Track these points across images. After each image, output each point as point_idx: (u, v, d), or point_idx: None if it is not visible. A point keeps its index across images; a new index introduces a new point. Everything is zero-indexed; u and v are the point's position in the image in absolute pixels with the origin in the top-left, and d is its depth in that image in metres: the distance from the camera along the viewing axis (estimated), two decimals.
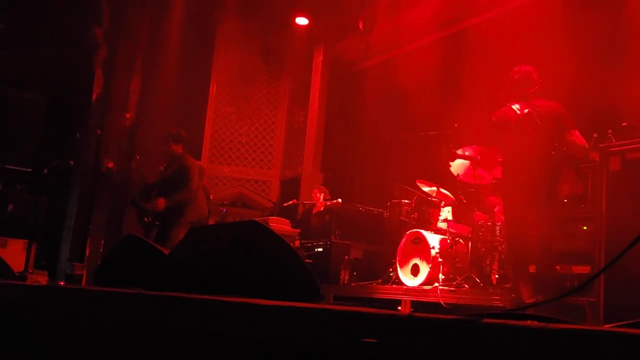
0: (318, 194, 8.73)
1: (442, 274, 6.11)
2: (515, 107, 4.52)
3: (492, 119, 4.54)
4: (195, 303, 1.56)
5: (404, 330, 1.03)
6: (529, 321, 0.92)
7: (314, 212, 8.77)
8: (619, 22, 6.59)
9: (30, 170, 8.83)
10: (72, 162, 7.20)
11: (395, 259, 6.75)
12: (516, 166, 4.32)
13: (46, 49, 10.30)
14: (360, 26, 9.92)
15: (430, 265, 6.24)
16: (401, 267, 6.62)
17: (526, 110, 4.45)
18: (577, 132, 4.51)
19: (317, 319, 1.22)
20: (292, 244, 8.01)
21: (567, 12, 6.97)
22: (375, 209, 8.31)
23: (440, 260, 6.18)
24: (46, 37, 10.42)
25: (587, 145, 4.53)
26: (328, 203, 8.56)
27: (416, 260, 6.48)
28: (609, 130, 4.73)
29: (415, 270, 6.45)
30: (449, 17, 8.34)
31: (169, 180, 6.85)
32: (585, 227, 4.75)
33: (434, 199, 6.92)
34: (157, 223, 7.61)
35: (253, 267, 2.30)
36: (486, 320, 0.92)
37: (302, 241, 8.37)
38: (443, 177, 6.66)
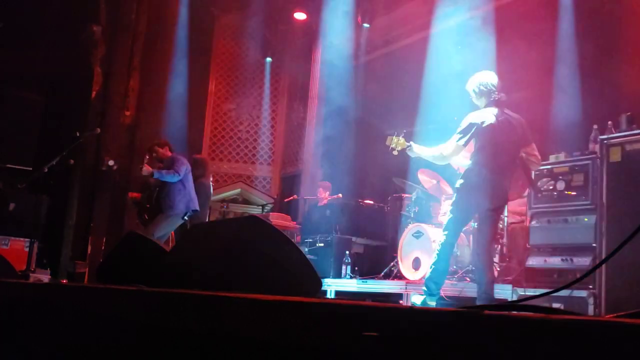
0: (324, 192, 8.72)
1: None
2: (493, 111, 4.68)
3: (471, 119, 4.70)
4: (196, 299, 1.57)
5: (404, 323, 1.03)
6: (530, 312, 0.92)
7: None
8: (617, 13, 6.58)
9: (30, 168, 8.82)
10: (72, 161, 7.20)
11: (396, 253, 6.76)
12: (489, 166, 4.57)
13: (45, 48, 10.28)
14: (359, 20, 9.91)
15: (431, 259, 6.24)
16: (402, 261, 6.63)
17: (502, 117, 4.65)
18: (534, 145, 4.76)
19: (318, 313, 1.22)
20: (292, 240, 8.03)
21: (568, 4, 6.96)
22: (376, 203, 8.32)
23: None
24: (45, 36, 10.40)
25: (541, 160, 4.84)
26: (329, 198, 8.56)
27: (417, 254, 6.48)
28: (609, 122, 4.73)
29: (416, 264, 6.46)
30: (446, 10, 8.31)
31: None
32: (586, 219, 4.76)
33: (434, 193, 6.92)
34: (147, 206, 7.62)
35: (254, 262, 2.30)
36: (487, 311, 0.92)
37: (304, 236, 8.38)
38: (444, 170, 6.66)
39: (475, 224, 5.06)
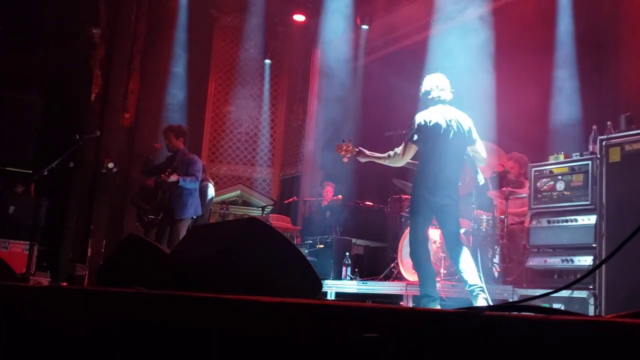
0: (331, 191, 8.72)
1: (444, 269, 6.11)
2: (439, 111, 4.88)
3: (418, 118, 4.89)
4: (196, 301, 1.57)
5: (405, 324, 1.03)
6: (530, 313, 0.92)
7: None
8: (615, 14, 6.59)
9: (30, 171, 8.82)
10: (71, 163, 7.18)
11: (396, 254, 6.75)
12: (435, 163, 4.77)
13: (44, 50, 10.29)
14: (358, 22, 9.92)
15: (432, 260, 6.24)
16: (402, 262, 6.62)
17: (448, 116, 4.84)
18: (481, 143, 4.99)
19: (318, 314, 1.22)
20: (292, 241, 8.02)
21: (566, 5, 6.97)
22: (376, 205, 8.31)
23: (441, 254, 6.18)
24: (44, 38, 10.41)
25: (486, 158, 5.07)
26: (329, 199, 8.56)
27: None
28: (608, 122, 4.73)
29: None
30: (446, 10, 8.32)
31: (175, 169, 6.88)
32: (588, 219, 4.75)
33: None
34: (152, 218, 7.59)
35: (254, 264, 2.30)
36: (488, 312, 0.92)
37: (304, 238, 8.38)
38: None
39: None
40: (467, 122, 4.92)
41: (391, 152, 5.05)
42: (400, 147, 4.98)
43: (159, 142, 7.38)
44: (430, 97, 4.97)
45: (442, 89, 4.96)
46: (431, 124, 4.81)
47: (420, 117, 4.90)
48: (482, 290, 4.55)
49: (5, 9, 9.95)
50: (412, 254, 4.92)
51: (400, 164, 5.13)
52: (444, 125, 4.80)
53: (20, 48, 10.13)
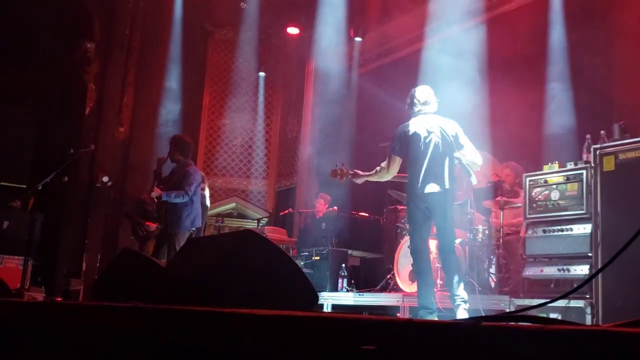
0: (324, 204, 8.69)
1: (440, 279, 6.10)
2: (420, 120, 4.99)
3: (399, 130, 5.02)
4: (192, 315, 1.56)
5: (402, 335, 1.02)
6: (527, 323, 0.92)
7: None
8: (608, 23, 6.64)
9: (24, 186, 8.79)
10: (66, 178, 7.15)
11: (392, 265, 6.74)
12: (420, 172, 4.85)
13: (38, 65, 10.30)
14: (352, 34, 9.96)
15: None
16: (399, 273, 6.61)
17: (430, 125, 4.94)
18: (470, 147, 5.02)
19: (316, 327, 1.21)
20: (288, 253, 8.00)
21: (563, 14, 7.02)
22: (372, 216, 8.31)
23: (437, 265, 6.18)
24: (38, 53, 10.41)
25: (480, 159, 5.08)
26: (324, 211, 8.55)
27: None
28: (602, 131, 4.75)
29: (413, 276, 6.43)
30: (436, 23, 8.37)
31: (172, 183, 6.82)
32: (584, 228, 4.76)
33: None
34: (147, 232, 7.55)
35: (250, 277, 2.29)
36: (485, 322, 0.92)
37: (300, 250, 8.36)
38: None
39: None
40: (452, 127, 4.98)
41: (377, 168, 5.16)
42: (385, 162, 5.10)
43: (163, 155, 7.27)
44: (413, 110, 5.08)
45: (425, 102, 5.05)
46: (411, 134, 4.92)
47: (400, 129, 5.03)
48: (464, 301, 4.63)
49: None
50: (413, 263, 5.00)
51: (387, 177, 5.22)
52: (424, 134, 4.89)
53: (14, 64, 10.13)
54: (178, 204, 6.66)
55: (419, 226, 4.94)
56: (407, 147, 4.94)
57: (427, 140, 4.87)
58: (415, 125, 4.95)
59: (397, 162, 5.04)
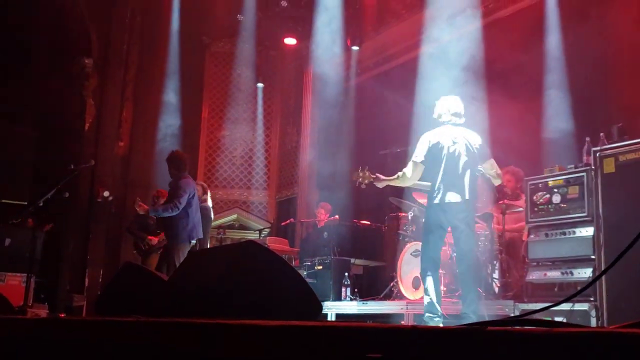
0: (325, 213, 8.67)
1: (444, 285, 6.08)
2: (447, 130, 5.02)
3: (426, 139, 5.04)
4: (196, 327, 1.55)
5: (408, 342, 1.02)
6: (532, 327, 0.92)
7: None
8: (603, 25, 6.65)
9: (25, 203, 8.79)
10: (67, 194, 7.15)
11: (395, 272, 6.73)
12: (445, 183, 4.89)
13: (37, 82, 10.32)
14: (349, 43, 10.00)
15: None
16: (402, 280, 6.59)
17: (456, 136, 4.97)
18: (493, 161, 5.12)
19: (321, 336, 1.21)
20: (291, 263, 8.00)
21: (559, 18, 7.05)
22: (373, 224, 8.29)
23: (441, 271, 6.16)
24: (36, 70, 10.44)
25: (501, 172, 5.21)
26: (326, 220, 8.53)
27: (417, 273, 6.43)
28: (601, 134, 4.75)
29: (416, 283, 6.42)
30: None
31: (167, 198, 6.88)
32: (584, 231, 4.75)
33: None
34: (153, 245, 7.57)
35: (253, 288, 2.29)
36: (490, 327, 0.91)
37: (302, 260, 8.34)
38: None
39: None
40: (476, 140, 5.03)
41: (400, 173, 5.15)
42: (408, 167, 5.08)
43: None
44: (441, 119, 5.09)
45: (456, 113, 5.07)
46: (437, 143, 4.94)
47: (425, 137, 5.03)
48: (470, 318, 4.63)
49: None
50: (422, 271, 5.01)
51: (408, 183, 5.25)
52: (449, 144, 4.92)
53: (13, 81, 10.15)
54: (174, 217, 6.64)
55: (434, 237, 4.99)
56: (430, 156, 4.96)
57: (451, 151, 4.91)
58: (441, 135, 4.98)
59: (419, 169, 5.04)
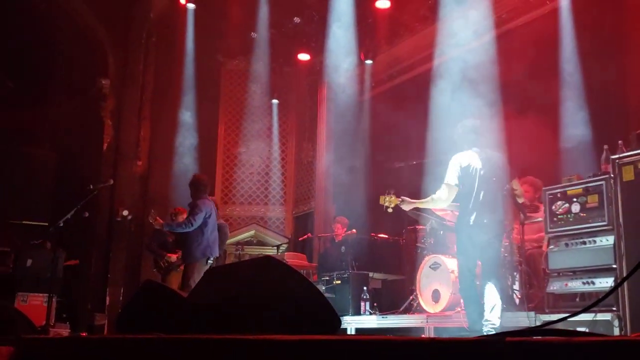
0: (342, 228, 8.66)
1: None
2: (476, 153, 5.16)
3: (457, 162, 5.14)
4: (217, 343, 1.56)
5: (428, 355, 1.02)
6: (551, 337, 0.91)
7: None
8: (619, 31, 6.62)
9: (46, 224, 8.89)
10: (86, 213, 7.25)
11: (414, 286, 6.69)
12: (478, 205, 5.03)
13: (55, 104, 10.49)
14: (362, 57, 10.04)
15: (451, 290, 6.18)
16: (422, 294, 6.55)
17: (484, 158, 5.13)
18: (516, 179, 5.34)
19: (341, 350, 1.21)
20: (309, 279, 7.99)
21: (573, 26, 7.03)
22: (391, 237, 8.26)
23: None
24: (55, 92, 10.62)
25: (523, 192, 5.42)
26: (343, 234, 8.51)
27: (436, 286, 6.41)
28: (620, 141, 4.71)
29: (436, 296, 6.38)
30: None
31: None
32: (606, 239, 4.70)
33: (448, 222, 6.87)
34: (173, 263, 7.69)
35: (272, 303, 2.29)
36: (509, 338, 0.91)
37: (320, 274, 8.31)
38: None
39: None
40: (501, 160, 5.24)
41: (434, 196, 5.25)
42: (442, 190, 5.17)
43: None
44: (468, 141, 5.22)
45: (477, 135, 5.22)
46: (467, 166, 5.08)
47: (456, 160, 5.15)
48: (493, 327, 4.79)
49: (16, 66, 10.18)
50: (461, 291, 5.22)
51: (443, 205, 5.38)
52: (478, 165, 5.07)
53: (31, 104, 10.33)
54: (188, 235, 6.88)
55: (467, 258, 5.12)
56: (463, 179, 5.08)
57: (482, 173, 5.06)
58: (471, 157, 5.12)
59: (454, 192, 5.14)
